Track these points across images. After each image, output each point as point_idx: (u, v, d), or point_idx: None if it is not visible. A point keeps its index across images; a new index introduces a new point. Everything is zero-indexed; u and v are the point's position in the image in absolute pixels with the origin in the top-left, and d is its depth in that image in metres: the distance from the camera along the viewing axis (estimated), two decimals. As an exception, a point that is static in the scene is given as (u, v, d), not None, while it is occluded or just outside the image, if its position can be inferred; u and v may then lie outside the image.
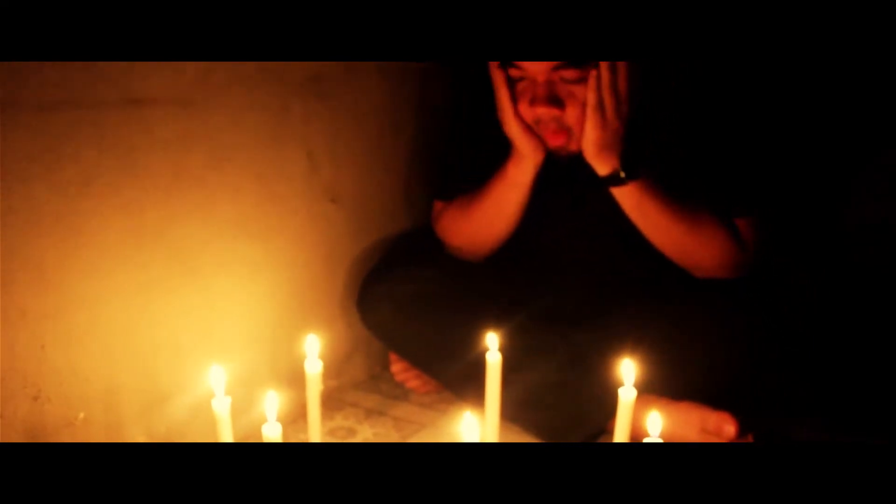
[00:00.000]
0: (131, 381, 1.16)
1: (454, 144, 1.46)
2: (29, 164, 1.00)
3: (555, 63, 1.20)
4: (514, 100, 1.26)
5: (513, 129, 1.26)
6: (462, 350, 1.35)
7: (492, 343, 1.19)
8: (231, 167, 1.25)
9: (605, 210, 1.31)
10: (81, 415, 1.10)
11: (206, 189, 1.22)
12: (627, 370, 1.09)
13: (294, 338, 1.36)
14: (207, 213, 1.23)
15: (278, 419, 1.03)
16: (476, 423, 0.92)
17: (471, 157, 1.43)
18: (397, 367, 1.51)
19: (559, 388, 1.31)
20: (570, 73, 1.20)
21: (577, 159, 1.27)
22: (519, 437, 1.33)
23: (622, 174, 1.24)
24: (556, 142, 1.26)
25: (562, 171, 1.33)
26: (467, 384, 1.39)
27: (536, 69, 1.22)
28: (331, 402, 1.46)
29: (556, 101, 1.23)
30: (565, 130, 1.26)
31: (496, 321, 1.27)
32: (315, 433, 1.23)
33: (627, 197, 1.27)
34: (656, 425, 1.01)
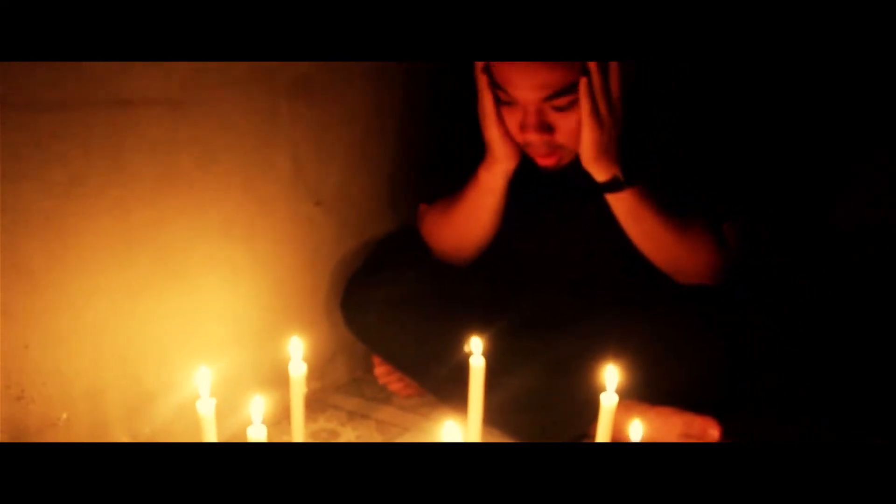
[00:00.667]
0: (115, 382, 1.16)
1: (436, 147, 1.47)
2: (17, 163, 1.00)
3: (544, 93, 1.20)
4: (499, 107, 1.26)
5: (492, 132, 1.27)
6: (445, 354, 1.35)
7: (475, 347, 1.20)
8: (218, 169, 1.25)
9: (589, 217, 1.33)
10: (65, 415, 1.10)
11: (192, 191, 1.22)
12: (610, 376, 1.11)
13: (277, 340, 1.36)
14: (194, 214, 1.23)
15: (261, 421, 1.03)
16: (458, 430, 0.93)
17: (451, 160, 1.44)
18: (381, 369, 1.51)
19: (541, 393, 1.32)
20: (561, 101, 1.21)
21: (574, 170, 1.28)
22: (499, 440, 1.34)
23: (621, 179, 1.25)
24: (547, 162, 1.27)
25: (547, 181, 1.34)
26: (450, 388, 1.39)
27: (527, 98, 1.22)
28: (313, 405, 1.46)
29: (546, 127, 1.24)
30: (556, 151, 1.27)
31: (480, 326, 1.28)
32: (298, 435, 1.24)
33: (623, 203, 1.27)
34: (638, 432, 1.02)
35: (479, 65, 1.26)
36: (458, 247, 1.42)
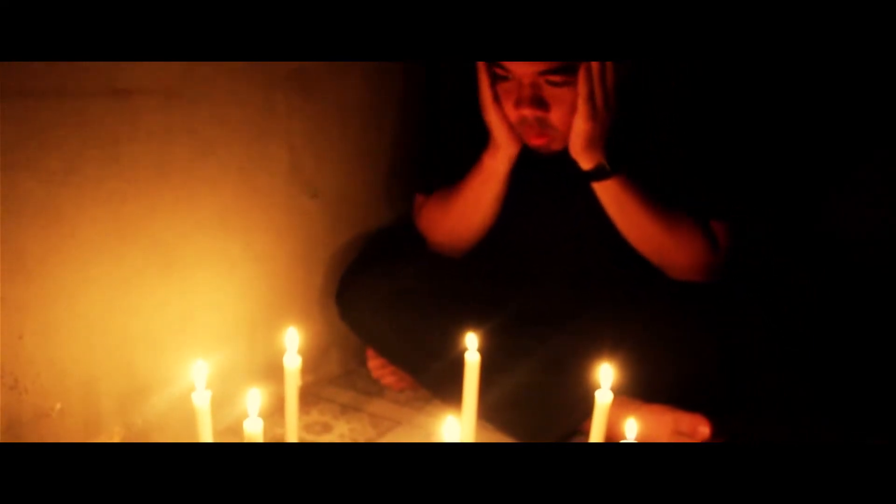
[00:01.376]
0: (109, 373, 1.15)
1: (433, 138, 1.47)
2: (12, 151, 0.99)
3: (541, 67, 1.21)
4: (495, 89, 1.27)
5: (492, 117, 1.28)
6: (440, 349, 1.36)
7: (471, 343, 1.21)
8: (214, 160, 1.25)
9: (584, 212, 1.33)
10: (58, 406, 1.09)
11: (188, 181, 1.22)
12: (605, 373, 1.11)
13: (271, 332, 1.37)
14: (189, 205, 1.23)
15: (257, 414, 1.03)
16: (457, 425, 0.93)
17: (450, 151, 1.44)
18: (374, 362, 1.51)
19: (535, 389, 1.33)
20: (556, 77, 1.22)
21: (558, 159, 1.29)
22: (493, 435, 1.34)
23: (607, 167, 1.26)
24: (538, 141, 1.28)
25: (542, 172, 1.34)
26: (444, 382, 1.40)
27: (522, 71, 1.23)
28: (306, 398, 1.46)
29: (541, 102, 1.25)
30: (548, 132, 1.27)
31: (475, 321, 1.29)
32: (292, 428, 1.24)
33: (608, 191, 1.29)
34: (632, 430, 1.03)
35: None
36: (458, 236, 1.42)
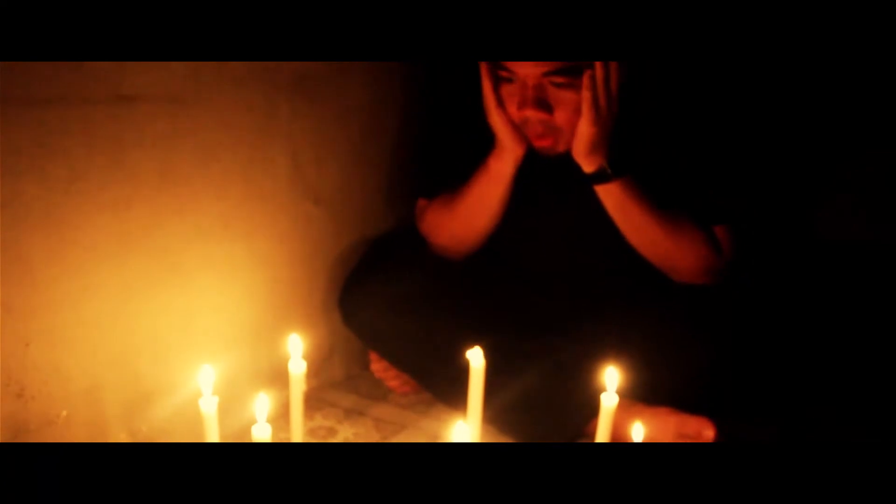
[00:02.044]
0: (114, 380, 1.15)
1: (434, 142, 1.47)
2: (18, 158, 0.99)
3: (545, 68, 1.22)
4: (498, 92, 1.27)
5: (496, 120, 1.28)
6: (443, 353, 1.35)
7: (475, 353, 1.21)
8: (217, 166, 1.25)
9: (588, 215, 1.33)
10: (64, 413, 1.09)
11: (192, 187, 1.22)
12: (610, 377, 1.11)
13: (275, 337, 1.37)
14: (193, 211, 1.23)
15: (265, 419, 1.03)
16: (468, 430, 0.93)
17: (452, 154, 1.44)
18: (377, 365, 1.51)
19: (538, 393, 1.33)
20: (560, 79, 1.22)
21: (562, 161, 1.29)
22: (497, 439, 1.34)
23: (608, 171, 1.26)
24: (542, 143, 1.28)
25: (545, 174, 1.34)
26: (447, 386, 1.40)
27: (526, 73, 1.23)
28: (310, 402, 1.46)
29: (544, 104, 1.25)
30: (552, 133, 1.28)
31: (478, 324, 1.29)
32: (297, 433, 1.24)
33: (610, 195, 1.29)
34: (639, 433, 1.03)
35: None
36: (462, 238, 1.42)
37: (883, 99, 1.64)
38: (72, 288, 1.08)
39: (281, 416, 1.26)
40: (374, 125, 1.55)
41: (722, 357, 1.31)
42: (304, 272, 1.47)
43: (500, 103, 1.28)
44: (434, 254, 1.47)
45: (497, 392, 1.28)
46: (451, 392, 1.39)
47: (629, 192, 1.28)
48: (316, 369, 1.51)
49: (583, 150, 1.25)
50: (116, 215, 1.12)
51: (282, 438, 1.23)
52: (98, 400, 1.13)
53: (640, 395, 1.27)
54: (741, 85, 1.44)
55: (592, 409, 1.26)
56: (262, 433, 1.01)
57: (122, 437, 1.17)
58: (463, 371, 1.25)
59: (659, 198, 1.31)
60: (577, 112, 1.24)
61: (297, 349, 1.21)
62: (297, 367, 1.21)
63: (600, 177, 1.28)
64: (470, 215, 1.39)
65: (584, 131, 1.23)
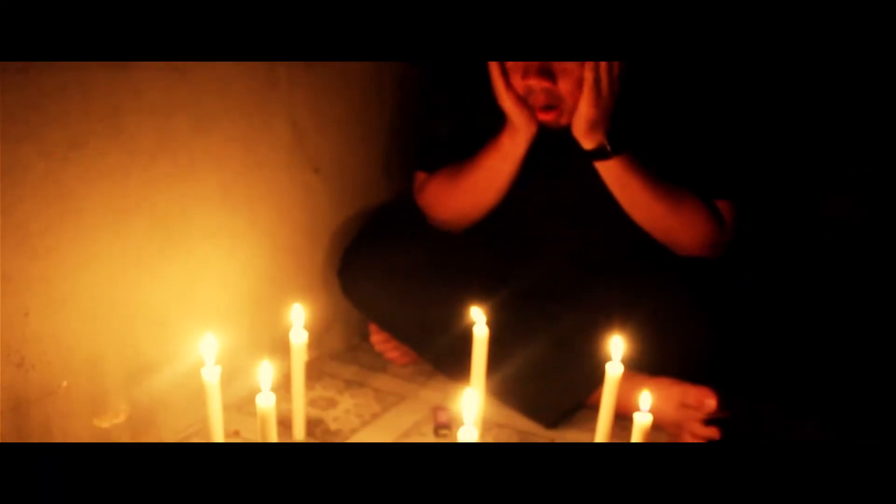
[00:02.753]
0: (114, 350, 1.14)
1: (439, 116, 1.45)
2: (14, 124, 0.97)
3: None
4: (506, 72, 1.26)
5: (506, 102, 1.26)
6: (443, 324, 1.35)
7: (478, 317, 1.20)
8: (217, 133, 1.23)
9: (590, 187, 1.32)
10: (65, 383, 1.08)
11: (191, 155, 1.20)
12: (616, 346, 1.11)
13: (275, 307, 1.36)
14: (192, 179, 1.21)
15: (259, 389, 1.03)
16: (474, 398, 0.93)
17: (456, 129, 1.42)
18: (377, 337, 1.51)
19: (539, 363, 1.33)
20: None
21: (565, 134, 1.28)
22: (498, 408, 1.34)
23: (608, 148, 1.25)
24: (546, 117, 1.27)
25: (547, 146, 1.33)
26: (447, 358, 1.40)
27: None
28: (310, 373, 1.44)
29: (548, 73, 1.24)
30: (556, 104, 1.26)
31: (478, 296, 1.28)
32: (299, 403, 1.24)
33: (611, 171, 1.28)
34: (646, 401, 1.03)
35: None
36: (466, 213, 1.41)
37: (883, 99, 1.64)
38: (71, 257, 1.06)
39: (281, 387, 1.26)
40: (375, 95, 1.53)
41: (724, 329, 1.31)
42: (304, 242, 1.46)
43: (509, 84, 1.26)
44: (432, 224, 1.46)
45: (498, 363, 1.29)
46: (450, 363, 1.39)
47: (629, 168, 1.27)
48: (316, 340, 1.50)
49: (583, 128, 1.24)
50: (115, 183, 1.10)
51: (283, 408, 1.23)
52: (98, 370, 1.12)
53: (642, 367, 1.27)
54: (744, 64, 1.42)
55: (595, 380, 1.26)
56: (265, 402, 1.00)
57: (123, 409, 1.16)
58: (462, 342, 1.26)
59: (660, 172, 1.30)
60: (580, 82, 1.22)
61: (298, 319, 1.21)
62: (299, 337, 1.20)
63: (599, 153, 1.27)
64: (477, 190, 1.37)
65: (585, 111, 1.22)
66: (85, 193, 1.06)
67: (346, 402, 1.38)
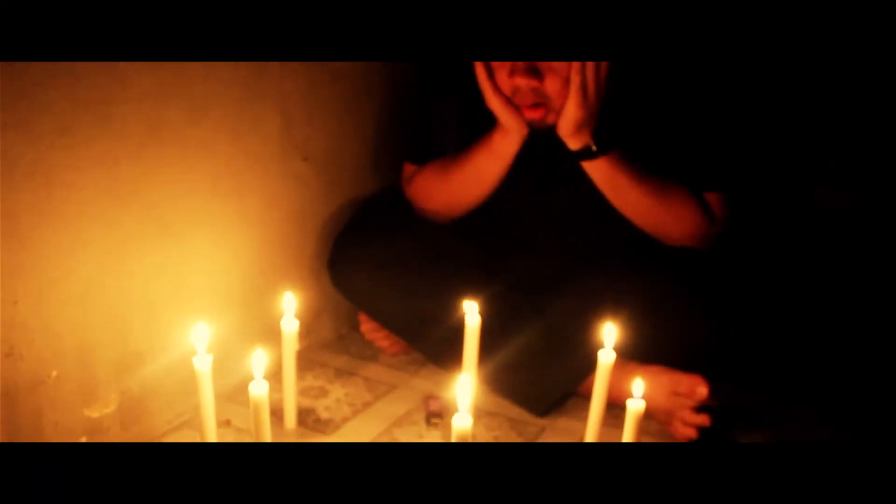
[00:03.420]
0: (104, 339, 1.13)
1: (429, 109, 1.45)
2: (2, 112, 0.96)
3: None
4: (492, 71, 1.25)
5: (495, 105, 1.26)
6: (433, 315, 1.35)
7: (470, 308, 1.20)
8: (207, 122, 1.22)
9: (580, 179, 1.32)
10: (54, 373, 1.07)
11: (180, 144, 1.19)
12: (608, 333, 1.11)
13: (264, 296, 1.36)
14: (182, 168, 1.20)
15: (249, 378, 1.03)
16: (466, 384, 0.93)
17: (445, 123, 1.42)
18: (367, 326, 1.50)
19: (530, 352, 1.33)
20: None
21: (553, 135, 1.27)
22: (489, 396, 1.34)
23: (593, 148, 1.25)
24: (533, 114, 1.27)
25: (538, 148, 1.33)
26: (438, 347, 1.40)
27: None
28: (300, 362, 1.42)
29: (535, 72, 1.23)
30: (542, 103, 1.26)
31: (468, 287, 1.28)
32: (290, 392, 1.23)
33: (598, 170, 1.28)
34: (639, 389, 1.03)
35: None
36: (454, 206, 1.41)
37: (883, 99, 1.65)
38: (60, 245, 1.05)
39: (272, 376, 1.25)
40: (364, 86, 1.53)
41: (716, 318, 1.31)
42: (294, 232, 1.45)
43: (496, 87, 1.26)
44: (420, 216, 1.46)
45: (490, 352, 1.29)
46: (442, 353, 1.40)
47: (616, 167, 1.27)
48: (305, 330, 1.49)
49: (569, 130, 1.24)
50: (103, 172, 1.09)
51: (273, 399, 1.22)
52: (88, 359, 1.11)
53: (634, 355, 1.27)
54: (733, 60, 1.43)
55: (586, 368, 1.27)
56: (259, 389, 1.00)
57: (114, 398, 1.16)
58: (454, 332, 1.26)
59: (649, 166, 1.30)
60: (567, 81, 1.22)
61: (290, 307, 1.20)
62: (290, 326, 1.20)
63: (585, 154, 1.27)
64: (466, 185, 1.37)
65: (571, 113, 1.22)
66: (74, 181, 1.06)
67: (338, 392, 1.38)
